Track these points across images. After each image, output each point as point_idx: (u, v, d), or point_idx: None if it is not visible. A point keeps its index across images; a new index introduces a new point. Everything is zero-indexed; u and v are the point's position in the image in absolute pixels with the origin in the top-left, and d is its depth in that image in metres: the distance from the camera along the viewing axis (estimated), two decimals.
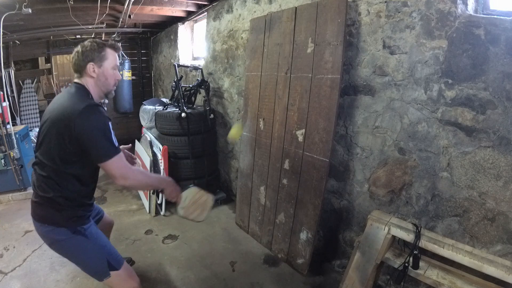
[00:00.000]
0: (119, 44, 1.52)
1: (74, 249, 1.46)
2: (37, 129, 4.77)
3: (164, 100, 4.19)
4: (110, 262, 1.49)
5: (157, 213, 3.28)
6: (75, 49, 1.41)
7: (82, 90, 1.40)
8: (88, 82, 1.42)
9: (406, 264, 1.65)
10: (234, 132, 2.25)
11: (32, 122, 5.19)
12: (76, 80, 1.43)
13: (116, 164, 1.31)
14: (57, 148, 1.31)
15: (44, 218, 1.41)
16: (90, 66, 1.39)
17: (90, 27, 4.20)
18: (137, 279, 1.61)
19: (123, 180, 1.33)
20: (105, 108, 1.49)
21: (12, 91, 4.79)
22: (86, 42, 1.41)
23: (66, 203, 1.39)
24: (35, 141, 1.54)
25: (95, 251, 1.47)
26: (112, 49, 1.45)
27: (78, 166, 1.37)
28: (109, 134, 1.32)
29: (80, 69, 1.40)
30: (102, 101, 5.22)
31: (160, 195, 3.21)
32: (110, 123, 1.35)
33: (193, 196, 1.60)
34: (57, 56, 5.59)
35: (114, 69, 1.47)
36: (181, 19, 4.55)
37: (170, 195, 1.53)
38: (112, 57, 1.45)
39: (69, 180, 1.38)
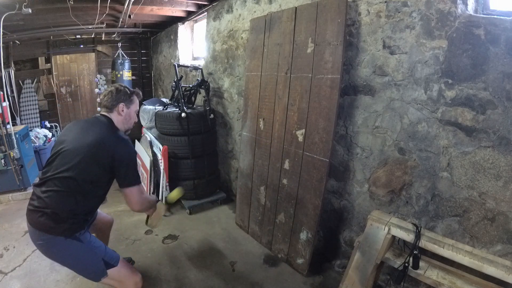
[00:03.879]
0: (140, 93, 1.81)
1: (69, 254, 1.49)
2: (38, 130, 4.77)
3: (164, 100, 4.19)
4: (106, 260, 1.54)
5: None
6: (109, 89, 1.68)
7: (112, 124, 1.64)
8: (115, 118, 1.66)
9: (406, 264, 1.65)
10: (175, 195, 2.08)
11: (32, 122, 5.20)
12: (104, 113, 1.66)
13: (137, 191, 1.57)
14: (93, 171, 1.48)
15: (45, 227, 1.44)
16: (121, 106, 1.66)
17: (90, 27, 4.21)
18: (138, 273, 1.67)
19: (139, 206, 1.62)
20: None
21: (12, 91, 4.80)
22: (118, 86, 1.70)
23: (74, 219, 1.48)
24: (48, 156, 1.61)
25: (91, 252, 1.52)
26: (137, 96, 1.77)
27: (101, 188, 1.57)
28: (136, 168, 1.60)
29: (112, 106, 1.65)
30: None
31: (160, 195, 3.21)
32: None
33: (158, 212, 1.93)
34: (57, 56, 5.59)
35: (136, 113, 1.78)
36: (181, 19, 4.55)
37: (152, 212, 1.88)
38: (136, 103, 1.76)
39: (89, 200, 1.53)
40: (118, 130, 1.64)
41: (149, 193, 3.27)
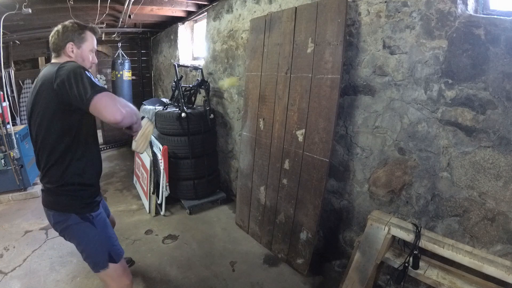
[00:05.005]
0: (98, 29, 1.53)
1: (79, 235, 1.47)
2: None
3: (164, 100, 4.19)
4: (111, 254, 1.51)
5: (157, 213, 3.28)
6: (55, 28, 1.41)
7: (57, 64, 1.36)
8: (65, 61, 1.38)
9: (406, 264, 1.65)
10: (229, 82, 2.19)
11: None
12: (53, 61, 1.43)
13: (106, 98, 1.20)
14: (54, 119, 1.29)
15: (55, 204, 1.43)
16: (69, 46, 1.39)
17: None
18: (130, 277, 1.63)
19: (120, 112, 1.22)
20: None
21: (12, 91, 4.79)
22: (67, 23, 1.42)
23: (78, 187, 1.41)
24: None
25: (99, 240, 1.49)
26: (91, 32, 1.47)
27: (81, 135, 1.36)
28: (89, 78, 1.22)
29: (59, 48, 1.40)
30: None
31: (160, 195, 3.21)
32: (89, 73, 1.26)
33: (143, 129, 1.53)
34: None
35: (91, 52, 1.48)
36: (181, 19, 4.55)
37: (137, 128, 1.46)
38: (90, 40, 1.46)
39: (82, 145, 1.38)
40: None
41: (149, 193, 3.26)
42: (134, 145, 1.53)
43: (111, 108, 1.20)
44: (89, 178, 1.47)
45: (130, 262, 2.39)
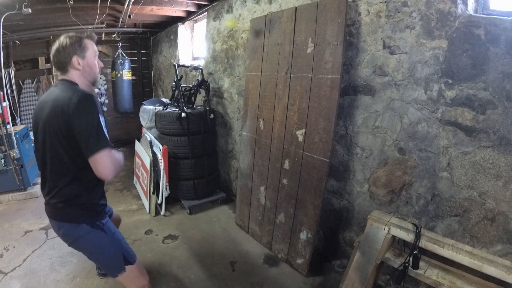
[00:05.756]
0: (94, 34, 1.54)
1: (94, 244, 1.48)
2: None
3: (164, 100, 4.19)
4: (125, 256, 1.54)
5: (157, 213, 3.28)
6: (54, 48, 1.42)
7: (70, 84, 1.40)
8: (75, 75, 1.43)
9: (406, 264, 1.65)
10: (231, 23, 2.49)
11: None
12: (61, 78, 1.44)
13: (107, 157, 1.29)
14: (61, 144, 1.31)
15: (64, 217, 1.43)
16: (75, 60, 1.40)
17: (90, 27, 4.20)
18: (147, 277, 1.65)
19: (112, 173, 1.32)
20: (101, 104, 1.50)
21: (12, 91, 4.79)
22: (62, 38, 1.42)
23: (88, 201, 1.44)
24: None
25: (113, 245, 1.52)
26: (89, 39, 1.48)
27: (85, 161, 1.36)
28: (100, 126, 1.30)
29: (64, 65, 1.41)
30: (102, 101, 5.23)
31: (160, 195, 3.21)
32: (100, 115, 1.33)
33: None
34: None
35: (95, 57, 1.51)
36: (181, 19, 4.55)
37: None
38: (91, 47, 1.48)
39: (84, 177, 1.40)
40: (77, 87, 1.40)
41: (149, 193, 3.26)
42: None
43: (106, 170, 1.29)
44: (95, 197, 1.50)
45: None
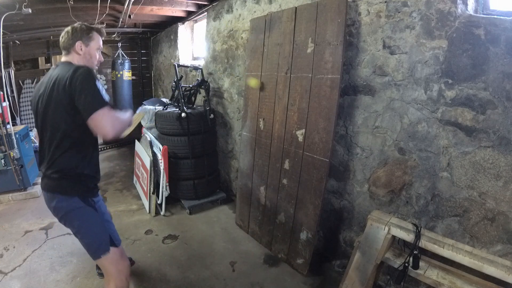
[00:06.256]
0: (104, 30, 1.67)
1: (83, 219, 1.52)
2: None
3: (164, 100, 4.19)
4: (111, 237, 1.57)
5: (157, 213, 3.28)
6: (65, 29, 1.54)
7: (70, 64, 1.50)
8: (75, 59, 1.54)
9: (406, 264, 1.65)
10: (254, 82, 2.59)
11: (32, 122, 5.19)
12: (63, 59, 1.55)
13: (105, 114, 1.34)
14: (63, 117, 1.39)
15: (58, 188, 1.48)
16: (78, 44, 1.53)
17: None
18: (127, 261, 1.68)
19: (111, 130, 1.36)
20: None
21: (12, 91, 4.80)
22: (76, 24, 1.56)
23: (83, 173, 1.50)
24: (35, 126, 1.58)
25: (102, 224, 1.56)
26: (98, 32, 1.61)
27: (86, 133, 1.43)
28: (97, 89, 1.36)
29: (68, 46, 1.53)
30: None
31: (160, 195, 3.21)
32: (98, 82, 1.40)
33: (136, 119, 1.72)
34: (57, 56, 5.58)
35: (98, 50, 1.62)
36: (181, 19, 4.55)
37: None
38: (97, 39, 1.60)
39: (86, 143, 1.50)
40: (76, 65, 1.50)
41: (149, 193, 3.27)
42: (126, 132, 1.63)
43: (106, 127, 1.35)
44: (91, 169, 1.55)
45: (130, 262, 2.39)
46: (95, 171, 1.60)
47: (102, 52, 1.67)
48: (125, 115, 1.54)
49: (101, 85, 1.41)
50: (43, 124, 1.47)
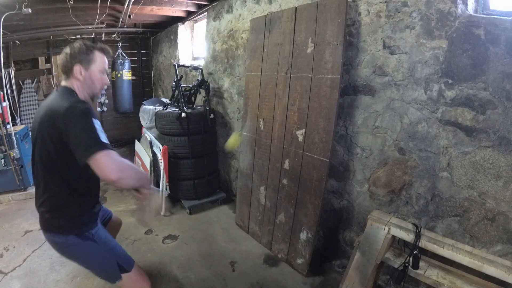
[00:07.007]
0: (109, 48, 1.49)
1: (84, 255, 1.44)
2: None
3: (164, 100, 4.19)
4: (120, 264, 1.47)
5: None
6: (64, 50, 1.38)
7: (68, 92, 1.35)
8: (74, 84, 1.38)
9: (406, 264, 1.65)
10: (233, 141, 2.31)
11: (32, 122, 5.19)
12: (63, 83, 1.41)
13: (105, 157, 1.16)
14: (51, 149, 1.26)
15: (50, 228, 1.39)
16: (77, 68, 1.36)
17: (90, 27, 4.21)
18: (148, 281, 1.58)
19: (115, 172, 1.17)
20: (102, 108, 1.44)
21: (12, 91, 4.79)
22: (75, 43, 1.39)
23: (75, 212, 1.38)
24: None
25: (105, 255, 1.45)
26: (101, 52, 1.42)
27: (76, 168, 1.24)
28: (94, 130, 1.20)
29: (67, 70, 1.37)
30: (102, 100, 5.21)
31: (160, 195, 3.20)
32: (96, 121, 1.25)
33: (155, 201, 1.46)
34: (57, 56, 5.57)
35: (102, 73, 1.44)
36: (181, 19, 4.55)
37: (146, 195, 1.38)
38: (100, 60, 1.42)
39: (79, 179, 1.35)
40: (74, 96, 1.34)
41: None
42: (139, 216, 1.38)
43: (107, 167, 1.17)
44: (86, 205, 1.43)
45: None
46: (91, 205, 1.47)
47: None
48: (137, 168, 1.37)
49: (99, 124, 1.25)
50: (34, 156, 1.36)
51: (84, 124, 1.20)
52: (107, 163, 1.16)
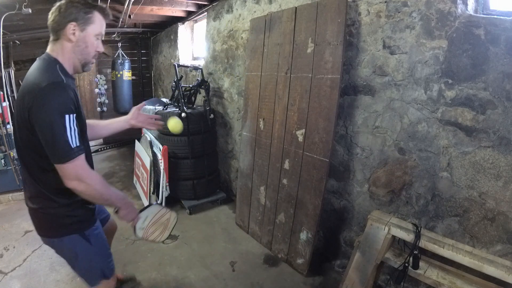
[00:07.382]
0: (109, 11, 1.29)
1: (71, 254, 1.36)
2: None
3: (164, 100, 4.19)
4: (104, 271, 1.44)
5: None
6: (58, 3, 1.14)
7: (50, 63, 1.13)
8: (64, 47, 1.16)
9: (406, 264, 1.65)
10: (172, 124, 2.01)
11: None
12: (48, 49, 1.18)
13: (70, 169, 1.07)
14: (27, 135, 1.10)
15: (42, 232, 1.30)
16: (71, 27, 1.13)
17: None
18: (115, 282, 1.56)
19: (73, 180, 1.09)
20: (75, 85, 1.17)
21: (12, 91, 4.78)
22: None
23: (67, 204, 1.24)
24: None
25: (95, 258, 1.41)
26: (101, 13, 1.21)
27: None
28: (64, 132, 1.05)
29: (58, 28, 1.14)
30: (102, 100, 5.19)
31: (160, 195, 3.20)
32: (70, 108, 1.07)
33: (154, 216, 1.49)
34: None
35: (97, 38, 1.23)
36: (181, 19, 4.55)
37: (125, 216, 1.34)
38: (98, 22, 1.20)
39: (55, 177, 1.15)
40: (55, 70, 1.11)
41: (149, 193, 3.26)
42: (139, 233, 1.43)
43: (74, 182, 1.10)
44: (77, 197, 1.20)
45: (133, 277, 2.25)
46: (84, 200, 1.26)
47: (102, 52, 1.28)
48: (111, 188, 1.25)
49: (73, 121, 1.07)
50: (16, 141, 1.20)
51: (53, 121, 1.03)
52: (71, 172, 1.08)
